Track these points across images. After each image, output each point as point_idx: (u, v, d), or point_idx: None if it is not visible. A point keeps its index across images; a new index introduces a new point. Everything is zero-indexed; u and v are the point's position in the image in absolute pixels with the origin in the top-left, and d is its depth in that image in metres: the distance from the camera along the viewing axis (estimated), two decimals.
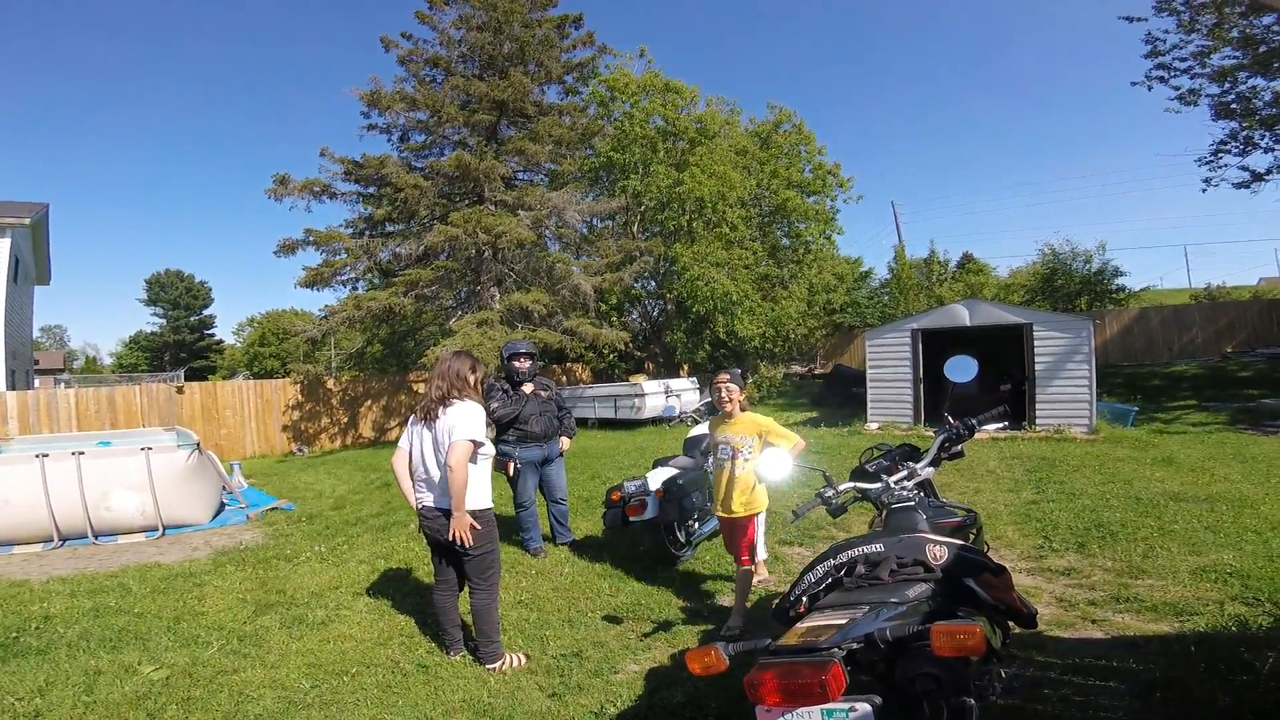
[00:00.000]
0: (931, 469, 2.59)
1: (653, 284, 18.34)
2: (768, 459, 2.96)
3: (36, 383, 19.69)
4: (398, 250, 13.98)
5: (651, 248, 15.72)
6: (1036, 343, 9.28)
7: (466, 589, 3.37)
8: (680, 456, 5.08)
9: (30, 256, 16.82)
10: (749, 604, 3.62)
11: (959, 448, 2.70)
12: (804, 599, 2.06)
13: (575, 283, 14.05)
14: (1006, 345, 9.78)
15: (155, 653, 3.56)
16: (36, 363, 23.34)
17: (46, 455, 6.07)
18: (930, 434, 7.28)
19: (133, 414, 12.52)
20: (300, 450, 14.08)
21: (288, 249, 13.78)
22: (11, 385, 13.82)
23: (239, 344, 48.25)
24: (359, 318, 13.62)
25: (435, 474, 3.23)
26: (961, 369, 3.17)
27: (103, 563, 5.46)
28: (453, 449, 3.06)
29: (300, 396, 14.43)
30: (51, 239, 18.08)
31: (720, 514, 3.67)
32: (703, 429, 5.36)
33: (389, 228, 14.85)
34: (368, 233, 14.73)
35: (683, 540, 4.65)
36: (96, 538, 6.12)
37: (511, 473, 4.96)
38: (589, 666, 3.17)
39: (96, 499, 6.13)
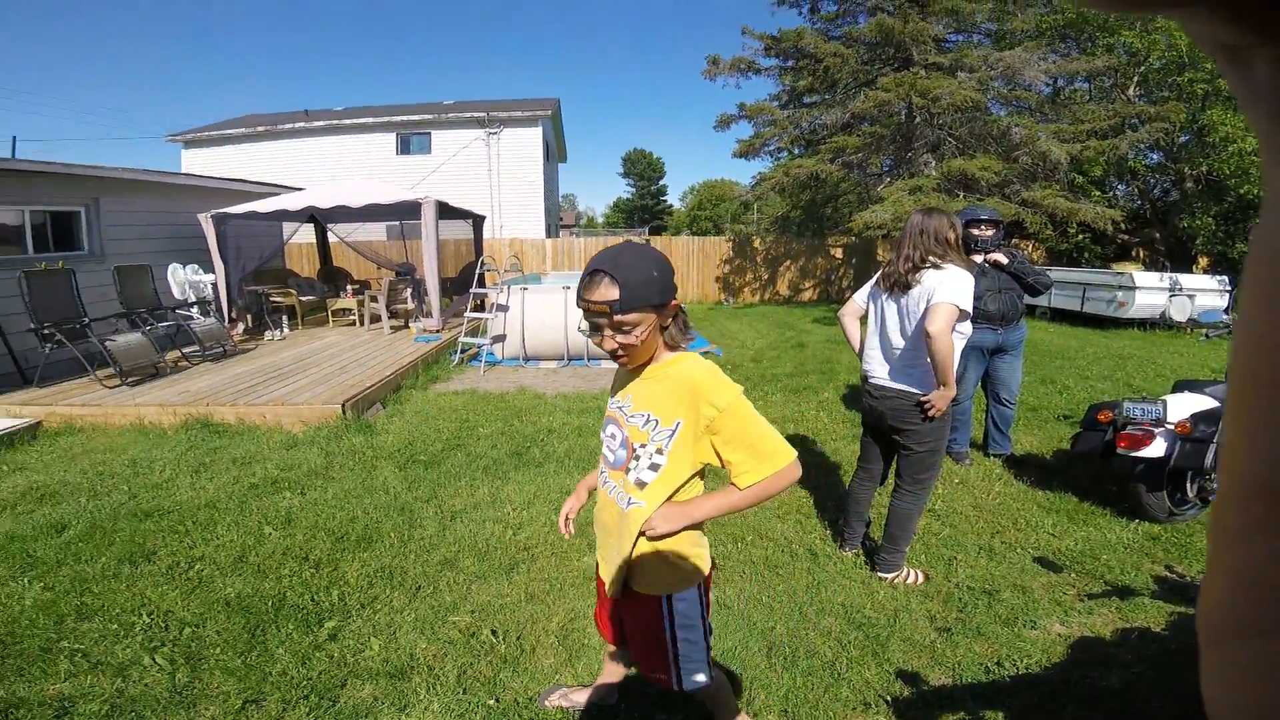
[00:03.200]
0: None
1: (1154, 157, 14.51)
2: None
3: (560, 234, 27.01)
4: (819, 121, 14.19)
5: (1171, 113, 12.08)
6: None
7: (894, 485, 2.98)
8: (1223, 384, 3.67)
9: (554, 140, 22.44)
10: None
11: None
12: None
13: (1043, 149, 11.85)
14: None
15: None
16: (561, 220, 31.84)
17: (569, 287, 7.53)
18: None
19: None
20: (728, 301, 15.97)
21: (724, 123, 15.16)
22: (549, 235, 19.50)
23: (683, 208, 55.91)
24: (786, 184, 14.33)
25: (897, 344, 2.75)
26: None
27: (589, 384, 6.63)
28: (934, 312, 2.50)
29: (731, 253, 16.24)
30: (565, 126, 23.76)
31: (608, 589, 1.64)
32: None
33: (807, 99, 15.10)
34: (791, 104, 15.18)
35: (1190, 498, 3.46)
36: (588, 361, 7.72)
37: None
38: (999, 611, 2.66)
39: None
